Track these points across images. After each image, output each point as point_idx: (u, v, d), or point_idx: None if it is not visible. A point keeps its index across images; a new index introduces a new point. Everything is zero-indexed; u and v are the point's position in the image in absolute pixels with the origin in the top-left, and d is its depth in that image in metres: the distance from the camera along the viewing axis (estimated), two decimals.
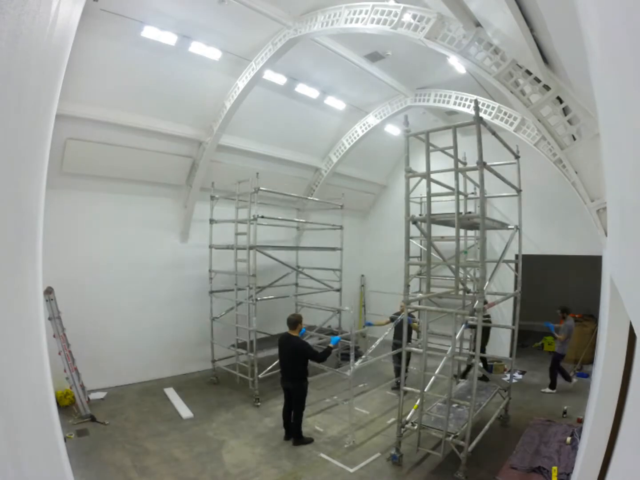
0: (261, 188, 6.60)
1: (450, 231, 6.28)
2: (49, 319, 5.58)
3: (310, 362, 5.36)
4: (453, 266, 4.92)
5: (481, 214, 4.38)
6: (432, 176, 4.67)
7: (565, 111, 4.01)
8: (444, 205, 6.59)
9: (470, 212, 6.60)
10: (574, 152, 4.03)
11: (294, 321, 5.41)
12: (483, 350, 6.60)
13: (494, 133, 4.92)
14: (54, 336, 5.58)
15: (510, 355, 6.63)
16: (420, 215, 8.78)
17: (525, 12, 3.33)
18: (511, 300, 7.17)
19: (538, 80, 3.98)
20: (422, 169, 4.84)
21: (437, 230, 6.94)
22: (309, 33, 5.61)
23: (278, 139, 8.66)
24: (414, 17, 4.51)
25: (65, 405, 5.88)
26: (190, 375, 7.86)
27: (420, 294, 6.67)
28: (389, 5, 4.70)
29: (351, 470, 4.68)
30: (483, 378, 6.29)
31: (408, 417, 4.94)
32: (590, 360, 7.69)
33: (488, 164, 4.49)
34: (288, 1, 5.51)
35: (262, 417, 6.06)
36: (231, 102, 6.92)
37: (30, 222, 1.58)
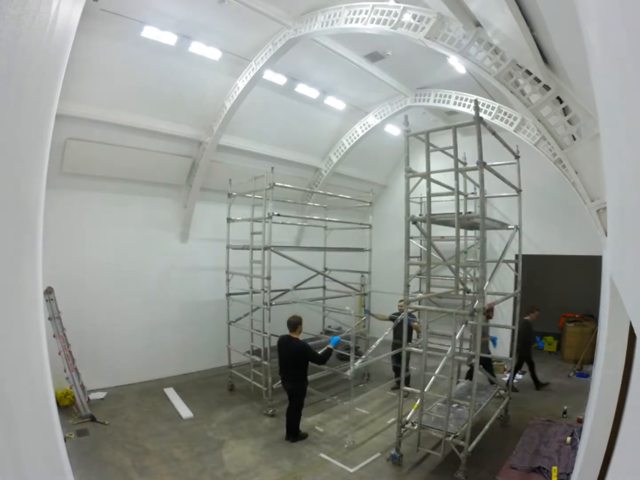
0: (277, 184, 6.28)
1: (450, 231, 6.28)
2: (49, 319, 5.58)
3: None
4: (453, 266, 4.92)
5: (481, 214, 4.38)
6: (432, 176, 4.68)
7: (565, 111, 4.01)
8: (444, 205, 6.59)
9: (470, 212, 6.60)
10: (574, 152, 4.02)
11: (294, 323, 5.41)
12: (493, 375, 6.52)
13: (494, 133, 4.93)
14: (54, 336, 5.59)
15: (510, 355, 6.63)
16: (420, 215, 8.78)
17: (525, 12, 3.33)
18: (511, 300, 7.17)
19: (538, 80, 3.98)
20: (422, 169, 4.84)
21: (437, 230, 6.94)
22: (309, 33, 5.61)
23: (278, 139, 8.65)
24: (414, 17, 4.50)
25: (65, 405, 5.88)
26: (190, 376, 7.86)
27: (420, 294, 6.68)
28: (389, 5, 4.70)
29: (351, 470, 4.68)
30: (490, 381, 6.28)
31: (408, 417, 4.94)
32: (590, 360, 7.69)
33: (488, 164, 4.49)
34: (288, 1, 5.51)
35: (263, 417, 6.06)
36: (231, 102, 6.92)
37: (30, 222, 1.58)
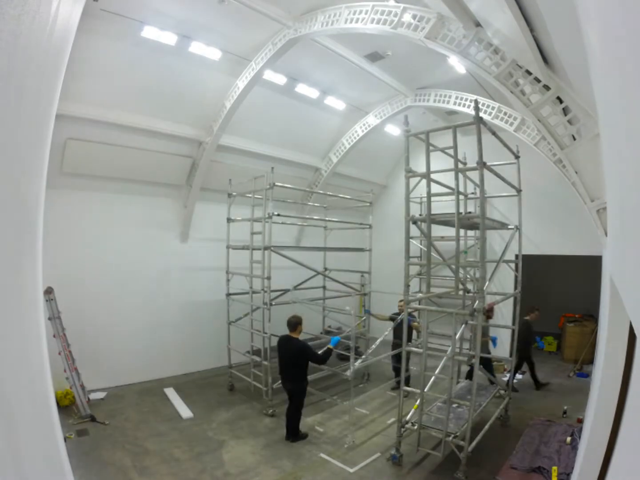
0: (277, 184, 6.27)
1: (450, 231, 6.28)
2: (49, 319, 5.58)
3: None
4: (453, 266, 4.92)
5: (481, 214, 4.38)
6: (432, 176, 4.68)
7: (565, 111, 4.01)
8: (444, 205, 6.59)
9: (470, 212, 6.60)
10: (574, 152, 4.02)
11: (294, 323, 5.41)
12: (493, 375, 6.52)
13: (494, 133, 4.93)
14: (54, 336, 5.59)
15: (510, 355, 6.63)
16: (420, 215, 8.78)
17: (525, 12, 3.33)
18: (511, 300, 7.17)
19: (538, 80, 3.98)
20: (422, 169, 4.84)
21: (437, 230, 6.94)
22: (309, 33, 5.60)
23: (278, 139, 8.65)
24: (414, 17, 4.50)
25: (65, 405, 5.88)
26: (190, 376, 7.86)
27: (420, 294, 6.68)
28: (389, 5, 4.70)
29: (351, 470, 4.68)
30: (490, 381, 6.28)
31: (408, 417, 4.94)
32: (590, 360, 7.70)
33: (488, 164, 4.49)
34: (288, 1, 5.51)
35: (263, 417, 6.06)
36: (231, 102, 6.92)
37: (30, 222, 1.58)
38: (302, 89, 7.61)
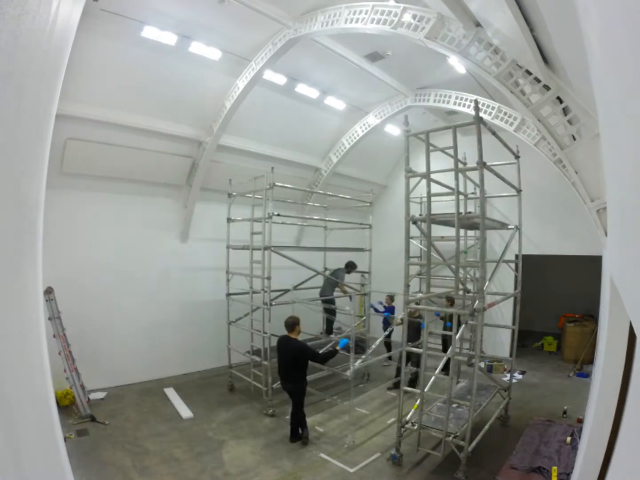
0: (277, 184, 6.26)
1: (450, 231, 6.28)
2: (49, 319, 5.58)
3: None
4: (453, 266, 4.92)
5: (481, 214, 4.38)
6: (432, 176, 4.67)
7: (565, 111, 4.01)
8: (444, 205, 6.60)
9: (470, 212, 6.60)
10: (574, 152, 4.03)
11: (292, 323, 5.40)
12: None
13: (494, 133, 4.92)
14: (54, 336, 5.58)
15: (510, 355, 6.63)
16: (420, 215, 8.79)
17: (525, 12, 3.33)
18: (511, 300, 7.17)
19: (538, 80, 3.98)
20: (422, 169, 4.84)
21: (437, 230, 6.94)
22: (309, 33, 5.60)
23: (278, 139, 8.65)
24: (414, 17, 4.50)
25: (65, 405, 5.88)
26: (190, 376, 7.86)
27: (420, 294, 6.68)
28: (389, 5, 4.69)
29: (351, 470, 4.68)
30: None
31: (408, 417, 4.94)
32: (590, 360, 7.70)
33: (488, 164, 4.49)
34: (288, 1, 5.51)
35: (263, 417, 6.06)
36: (231, 102, 6.92)
37: (30, 222, 1.58)
38: (302, 89, 7.60)
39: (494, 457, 4.92)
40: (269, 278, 6.29)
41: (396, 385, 6.83)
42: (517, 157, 6.08)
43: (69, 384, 5.72)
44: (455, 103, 7.35)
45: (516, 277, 6.55)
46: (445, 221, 5.67)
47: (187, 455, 4.90)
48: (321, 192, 9.41)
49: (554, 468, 4.51)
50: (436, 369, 5.32)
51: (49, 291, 5.65)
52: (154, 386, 7.17)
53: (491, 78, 4.21)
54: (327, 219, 8.89)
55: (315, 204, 9.45)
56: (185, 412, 6.10)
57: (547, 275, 10.89)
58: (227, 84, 6.91)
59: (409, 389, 5.25)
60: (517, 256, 6.27)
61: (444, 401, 4.86)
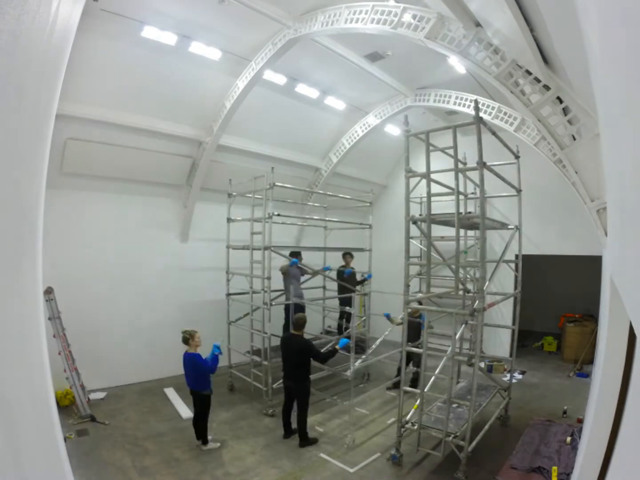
0: (277, 184, 6.27)
1: (450, 231, 6.28)
2: (49, 319, 5.58)
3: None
4: (453, 266, 4.92)
5: (481, 214, 4.38)
6: (432, 176, 4.67)
7: (565, 111, 4.01)
8: (444, 205, 6.59)
9: (470, 212, 6.60)
10: (574, 152, 4.03)
11: (302, 322, 5.40)
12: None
13: (494, 133, 4.92)
14: (54, 336, 5.59)
15: (510, 355, 6.63)
16: (420, 215, 8.78)
17: (525, 12, 3.33)
18: (511, 300, 7.17)
19: (538, 80, 3.98)
20: (422, 169, 4.84)
21: (437, 230, 6.94)
22: (309, 33, 5.60)
23: (278, 139, 8.64)
24: (414, 17, 4.50)
25: (65, 405, 5.88)
26: None
27: (420, 294, 6.68)
28: (389, 5, 4.69)
29: (351, 470, 4.68)
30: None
31: (408, 417, 4.94)
32: (590, 360, 7.70)
33: (488, 164, 4.49)
34: (288, 1, 5.50)
35: (263, 417, 6.06)
36: (231, 102, 6.91)
37: (30, 222, 1.58)
38: (302, 89, 7.60)
39: (494, 457, 4.92)
40: (269, 278, 6.29)
41: (396, 385, 6.83)
42: (517, 157, 6.08)
43: (69, 384, 5.72)
44: (455, 103, 7.35)
45: (516, 277, 6.55)
46: (445, 221, 5.67)
47: (187, 455, 4.90)
48: (321, 192, 9.41)
49: (554, 468, 4.51)
50: (436, 369, 5.32)
51: (49, 291, 5.65)
52: (154, 386, 7.17)
53: (491, 78, 4.22)
54: (327, 219, 8.89)
55: (315, 204, 9.45)
56: (185, 412, 6.10)
57: (547, 275, 10.88)
58: (227, 84, 6.91)
59: (409, 389, 5.25)
60: (517, 256, 6.27)
61: (444, 401, 4.86)
